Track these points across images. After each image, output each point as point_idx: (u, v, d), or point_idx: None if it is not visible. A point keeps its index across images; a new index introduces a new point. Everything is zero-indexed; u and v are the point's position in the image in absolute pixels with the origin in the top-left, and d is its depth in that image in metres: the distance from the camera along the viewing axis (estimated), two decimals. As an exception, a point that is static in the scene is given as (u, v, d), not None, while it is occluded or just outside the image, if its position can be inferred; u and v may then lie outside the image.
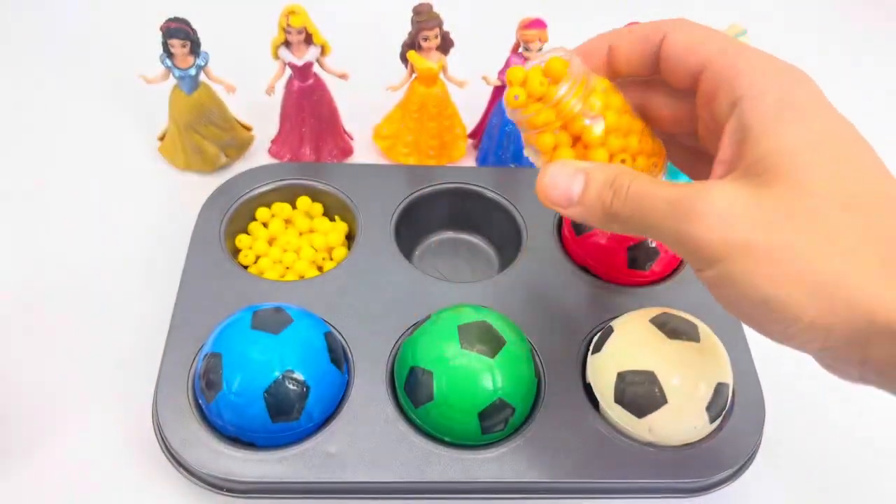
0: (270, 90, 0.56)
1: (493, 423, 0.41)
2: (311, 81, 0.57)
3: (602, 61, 0.35)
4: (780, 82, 0.29)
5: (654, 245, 0.49)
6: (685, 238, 0.28)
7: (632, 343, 0.43)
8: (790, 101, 0.28)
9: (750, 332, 0.48)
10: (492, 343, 0.41)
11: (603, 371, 0.43)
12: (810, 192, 0.27)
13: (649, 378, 0.41)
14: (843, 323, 0.26)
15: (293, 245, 0.53)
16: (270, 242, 0.54)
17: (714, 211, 0.28)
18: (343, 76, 0.57)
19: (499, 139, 0.60)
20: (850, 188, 0.27)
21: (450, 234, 0.58)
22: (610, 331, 0.44)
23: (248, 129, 0.62)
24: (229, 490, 0.41)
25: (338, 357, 0.43)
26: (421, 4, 0.54)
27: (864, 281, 0.26)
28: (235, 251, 0.54)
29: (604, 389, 0.43)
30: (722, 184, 0.28)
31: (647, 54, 0.33)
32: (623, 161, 0.33)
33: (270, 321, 0.42)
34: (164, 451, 0.42)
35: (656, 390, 0.41)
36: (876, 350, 0.26)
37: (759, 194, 0.27)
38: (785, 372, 0.50)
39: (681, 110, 0.35)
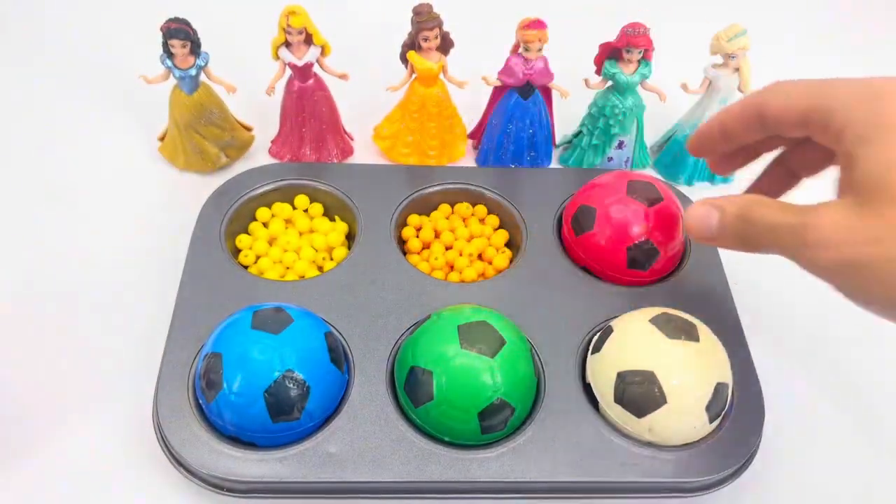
0: (271, 90, 0.56)
1: (493, 423, 0.41)
2: (311, 82, 0.57)
3: (716, 136, 0.41)
4: (866, 105, 0.33)
5: (653, 245, 0.49)
6: (806, 262, 0.34)
7: (631, 343, 0.43)
8: (878, 122, 0.32)
9: (750, 333, 0.48)
10: (492, 343, 0.41)
11: (603, 371, 0.43)
12: None
13: (649, 378, 0.41)
14: None
15: (293, 245, 0.53)
16: (271, 242, 0.54)
17: (823, 236, 0.32)
18: (343, 76, 0.57)
19: (499, 139, 0.60)
20: None
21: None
22: (610, 331, 0.45)
23: (249, 129, 0.62)
24: (229, 490, 0.41)
25: (338, 357, 0.44)
26: (421, 5, 0.54)
27: None
28: (236, 251, 0.54)
29: (603, 389, 0.43)
30: (828, 208, 0.33)
31: (750, 118, 0.38)
32: None
33: (271, 321, 0.42)
34: (164, 451, 0.42)
35: (656, 390, 0.41)
36: None
37: (861, 213, 0.31)
38: (785, 372, 0.50)
39: (813, 155, 0.40)
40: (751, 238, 0.36)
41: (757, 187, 0.44)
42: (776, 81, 0.38)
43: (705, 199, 0.39)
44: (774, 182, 0.43)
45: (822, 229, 0.33)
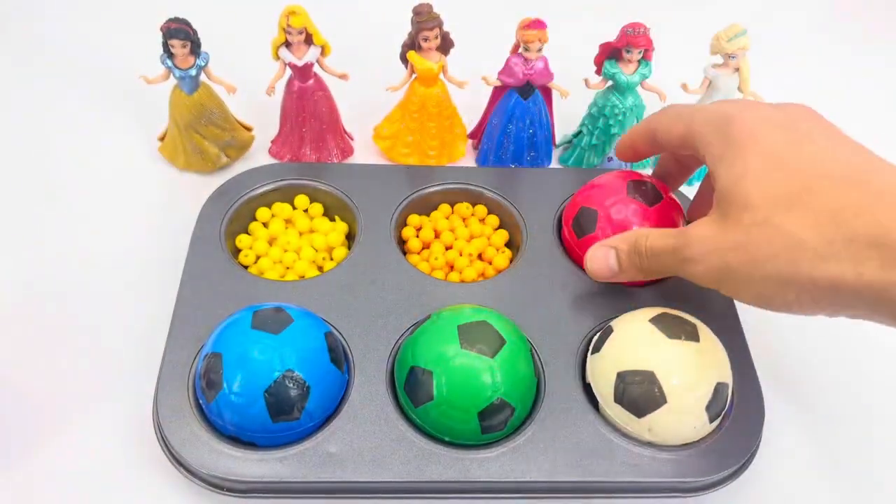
0: (271, 90, 0.56)
1: (493, 423, 0.41)
2: (311, 82, 0.57)
3: (629, 150, 0.49)
4: (718, 128, 0.38)
5: None
6: (688, 276, 0.40)
7: (631, 343, 0.43)
8: (727, 142, 0.37)
9: (750, 333, 0.48)
10: (492, 343, 0.41)
11: (603, 371, 0.43)
12: (756, 208, 0.35)
13: (649, 378, 0.41)
14: (807, 292, 0.35)
15: (293, 245, 0.53)
16: (271, 242, 0.54)
17: (694, 251, 0.38)
18: (343, 76, 0.57)
19: (499, 139, 0.60)
20: (786, 189, 0.34)
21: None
22: (610, 331, 0.45)
23: (249, 129, 0.62)
24: (229, 490, 0.41)
25: (338, 357, 0.44)
26: (421, 5, 0.54)
27: (813, 257, 0.33)
28: (236, 251, 0.54)
29: (603, 389, 0.43)
30: (698, 225, 0.38)
31: (647, 139, 0.46)
32: None
33: (271, 321, 0.42)
34: (164, 451, 0.42)
35: (656, 390, 0.41)
36: (848, 306, 0.35)
37: (723, 224, 0.36)
38: (785, 372, 0.50)
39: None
40: (644, 267, 0.42)
41: (659, 173, 0.52)
42: (669, 105, 0.45)
43: (599, 242, 0.46)
44: (674, 170, 0.51)
45: (693, 245, 0.38)
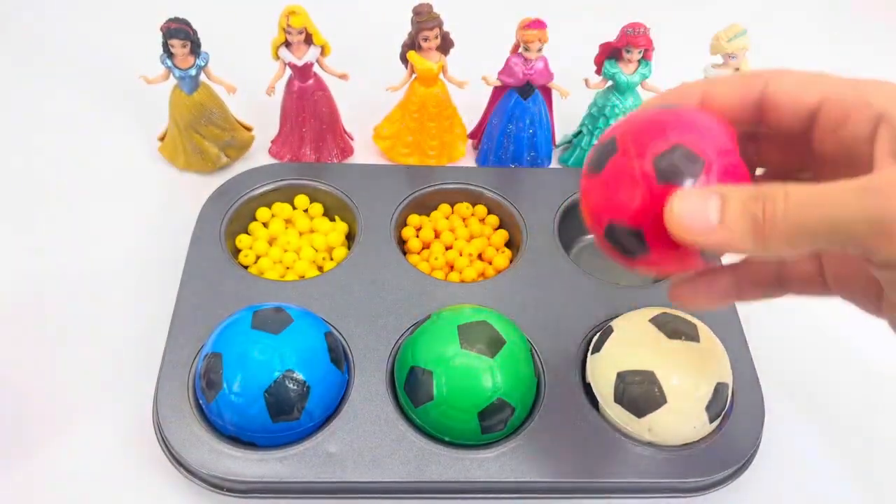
0: (271, 90, 0.56)
1: (493, 423, 0.41)
2: (311, 82, 0.57)
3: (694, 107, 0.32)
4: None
5: None
6: (890, 229, 0.24)
7: (631, 343, 0.43)
8: None
9: (750, 333, 0.48)
10: (492, 343, 0.41)
11: (603, 371, 0.43)
12: None
13: (649, 378, 0.41)
14: None
15: (293, 245, 0.53)
16: (271, 242, 0.54)
17: None
18: (343, 76, 0.57)
19: (499, 139, 0.60)
20: None
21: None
22: (610, 331, 0.44)
23: (249, 129, 0.62)
24: (229, 490, 0.41)
25: (338, 357, 0.44)
26: (421, 5, 0.54)
27: None
28: (236, 251, 0.54)
29: (603, 389, 0.43)
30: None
31: (747, 101, 0.32)
32: None
33: (271, 321, 0.42)
34: (164, 451, 0.42)
35: (656, 390, 0.41)
36: None
37: None
38: (785, 372, 0.50)
39: (791, 151, 0.33)
40: (779, 224, 0.26)
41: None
42: (777, 69, 0.33)
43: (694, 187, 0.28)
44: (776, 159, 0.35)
45: None
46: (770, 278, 0.33)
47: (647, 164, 0.28)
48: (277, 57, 0.55)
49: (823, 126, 0.30)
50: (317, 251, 0.54)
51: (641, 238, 0.29)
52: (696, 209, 0.27)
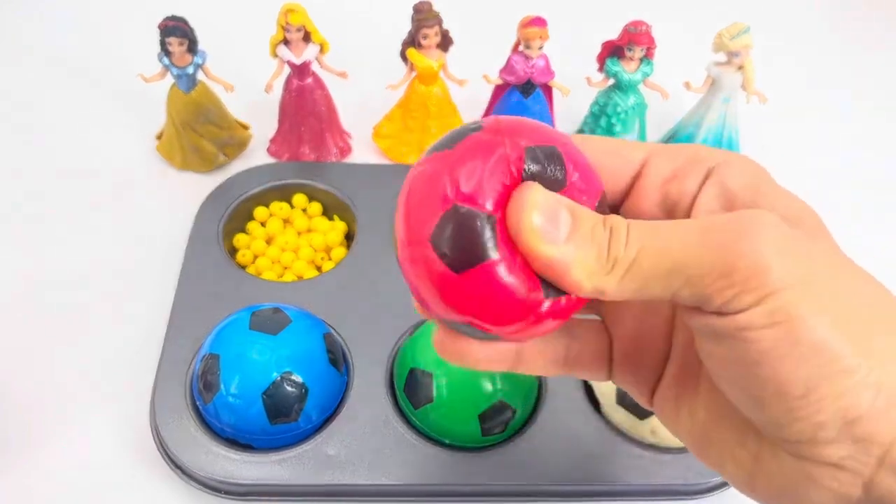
0: (269, 88, 0.56)
1: (494, 425, 0.41)
2: (309, 80, 0.56)
3: None
4: (741, 159, 0.25)
5: None
6: (742, 258, 0.21)
7: (634, 344, 0.42)
8: (760, 178, 0.25)
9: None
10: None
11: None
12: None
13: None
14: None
15: (291, 244, 0.53)
16: (269, 242, 0.54)
17: (774, 229, 0.21)
18: (342, 75, 0.57)
19: (499, 138, 0.59)
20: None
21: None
22: (612, 332, 0.44)
23: (246, 127, 0.61)
24: (227, 493, 0.41)
25: (337, 358, 0.43)
26: (421, 3, 0.53)
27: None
28: (233, 251, 0.53)
29: (605, 391, 0.42)
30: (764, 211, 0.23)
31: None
32: None
33: (269, 322, 0.42)
34: (161, 453, 0.42)
35: (659, 392, 0.40)
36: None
37: (797, 234, 0.22)
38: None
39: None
40: (625, 253, 0.22)
41: None
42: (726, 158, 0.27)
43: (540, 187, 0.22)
44: None
45: (770, 224, 0.22)
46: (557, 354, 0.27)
47: (517, 148, 0.22)
48: (276, 55, 0.55)
49: (649, 181, 0.26)
50: (315, 251, 0.53)
51: (493, 227, 0.21)
52: (549, 212, 0.22)
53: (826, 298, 0.21)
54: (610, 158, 0.26)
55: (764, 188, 0.24)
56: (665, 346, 0.27)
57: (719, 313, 0.21)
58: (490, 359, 0.25)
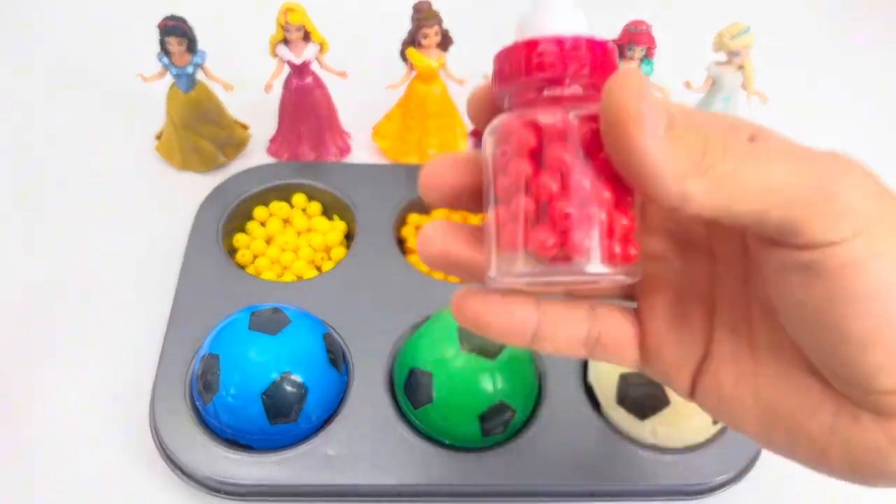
0: (268, 88, 0.56)
1: (494, 426, 0.41)
2: (309, 80, 0.56)
3: None
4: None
5: None
6: (836, 193, 0.20)
7: (634, 344, 0.42)
8: None
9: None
10: (492, 344, 0.41)
11: (605, 373, 0.43)
12: None
13: (652, 380, 0.40)
14: None
15: (291, 244, 0.53)
16: (268, 242, 0.54)
17: (863, 175, 0.21)
18: (342, 74, 0.57)
19: (499, 138, 0.59)
20: None
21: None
22: (612, 332, 0.44)
23: (246, 127, 0.61)
24: (227, 493, 0.41)
25: (336, 358, 0.43)
26: (421, 2, 0.53)
27: None
28: (233, 251, 0.53)
29: (606, 391, 0.42)
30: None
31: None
32: None
33: (268, 322, 0.42)
34: (160, 454, 0.42)
35: (659, 392, 0.40)
36: None
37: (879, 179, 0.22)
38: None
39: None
40: (720, 162, 0.20)
41: None
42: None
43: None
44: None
45: (861, 172, 0.21)
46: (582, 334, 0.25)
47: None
48: (275, 54, 0.54)
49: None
50: (315, 251, 0.53)
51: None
52: (652, 101, 0.20)
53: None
54: None
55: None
56: (706, 324, 0.25)
57: (811, 245, 0.20)
58: (504, 327, 0.24)
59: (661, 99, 0.20)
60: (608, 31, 0.55)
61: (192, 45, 0.53)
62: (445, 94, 0.58)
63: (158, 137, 0.60)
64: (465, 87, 0.57)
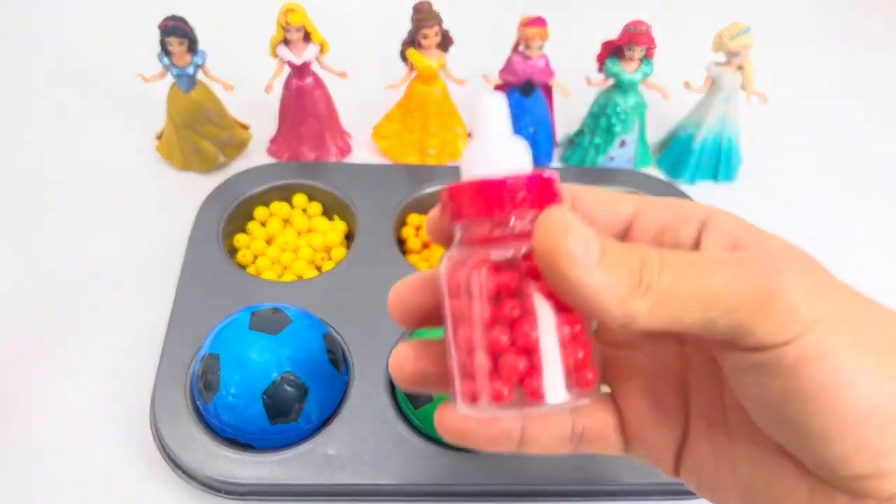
0: (269, 89, 0.56)
1: (494, 425, 0.41)
2: (309, 80, 0.56)
3: None
4: (725, 211, 0.25)
5: None
6: (785, 289, 0.20)
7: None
8: (748, 225, 0.24)
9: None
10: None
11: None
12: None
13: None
14: None
15: (291, 244, 0.53)
16: (269, 242, 0.54)
17: (803, 269, 0.21)
18: (342, 75, 0.57)
19: (499, 138, 0.59)
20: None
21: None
22: (612, 331, 0.44)
23: (246, 127, 0.61)
24: (227, 492, 0.41)
25: (337, 358, 0.43)
26: (421, 3, 0.53)
27: None
28: (233, 251, 0.53)
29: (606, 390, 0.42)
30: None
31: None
32: None
33: (269, 322, 0.42)
34: (161, 453, 0.42)
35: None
36: None
37: (823, 269, 0.23)
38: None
39: None
40: (659, 282, 0.21)
41: None
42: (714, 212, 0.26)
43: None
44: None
45: (805, 263, 0.22)
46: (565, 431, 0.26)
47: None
48: (276, 55, 0.54)
49: (640, 234, 0.25)
50: (315, 251, 0.53)
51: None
52: (582, 236, 0.21)
53: (859, 329, 0.21)
54: (603, 210, 0.25)
55: (755, 232, 0.24)
56: (682, 405, 0.26)
57: (760, 348, 0.20)
58: (491, 439, 0.25)
59: (589, 230, 0.21)
60: (608, 31, 0.56)
61: (192, 46, 0.53)
62: (445, 95, 0.58)
63: (159, 137, 0.60)
64: (466, 87, 0.57)
